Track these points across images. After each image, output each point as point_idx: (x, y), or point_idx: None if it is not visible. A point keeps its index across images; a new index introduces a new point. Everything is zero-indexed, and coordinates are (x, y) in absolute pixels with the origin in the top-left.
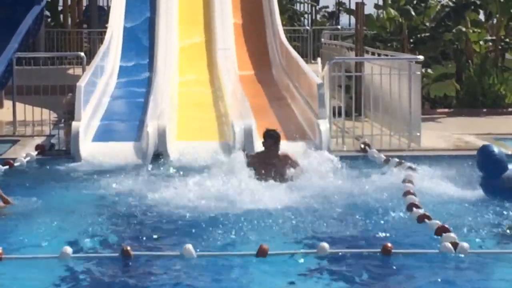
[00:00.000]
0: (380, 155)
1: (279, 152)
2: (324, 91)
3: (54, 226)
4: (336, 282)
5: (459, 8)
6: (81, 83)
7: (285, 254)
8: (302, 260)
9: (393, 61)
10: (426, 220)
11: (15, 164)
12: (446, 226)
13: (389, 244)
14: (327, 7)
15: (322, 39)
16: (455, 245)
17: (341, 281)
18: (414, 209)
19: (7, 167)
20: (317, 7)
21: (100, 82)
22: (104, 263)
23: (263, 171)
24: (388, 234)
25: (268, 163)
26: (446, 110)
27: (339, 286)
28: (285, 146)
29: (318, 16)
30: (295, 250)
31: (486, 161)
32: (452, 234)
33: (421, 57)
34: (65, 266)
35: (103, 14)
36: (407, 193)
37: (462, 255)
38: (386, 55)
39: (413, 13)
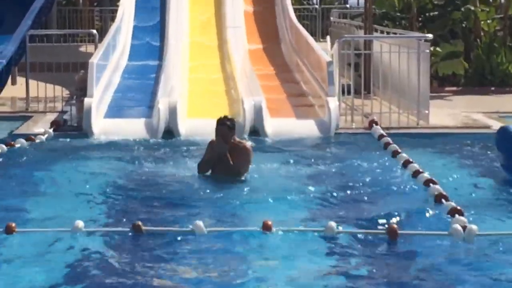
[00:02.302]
0: (380, 132)
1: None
2: (334, 69)
3: (67, 201)
4: (342, 261)
5: None
6: (94, 60)
7: (292, 231)
8: (309, 238)
9: (402, 39)
10: (443, 201)
11: (36, 141)
12: (459, 208)
13: (395, 226)
14: None
15: (331, 18)
16: (464, 227)
17: (347, 260)
18: (431, 184)
19: (29, 142)
20: None
21: (112, 59)
22: (115, 238)
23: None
24: (397, 214)
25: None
26: (454, 88)
27: (345, 266)
28: (295, 124)
29: None
30: (302, 227)
31: (507, 141)
32: (462, 218)
33: (430, 36)
34: (77, 240)
35: None
36: (417, 172)
37: (471, 237)
38: (395, 34)
39: None
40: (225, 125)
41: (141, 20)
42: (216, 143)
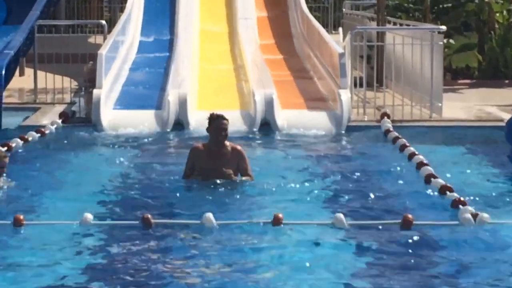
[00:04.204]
0: (388, 125)
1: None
2: (346, 61)
3: (77, 193)
4: (353, 253)
5: None
6: (103, 51)
7: (301, 224)
8: (318, 231)
9: (415, 31)
10: (448, 192)
11: (46, 132)
12: (462, 199)
13: (410, 216)
14: None
15: (343, 9)
16: (475, 216)
17: (358, 252)
18: (433, 179)
19: (39, 135)
20: None
21: (121, 50)
22: (124, 231)
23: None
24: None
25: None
26: (468, 81)
27: (357, 257)
28: (307, 116)
29: None
30: (310, 220)
31: None
32: (469, 207)
33: (443, 28)
34: (85, 232)
35: None
36: (421, 164)
37: (482, 226)
38: (408, 25)
39: None
40: (225, 120)
41: (151, 10)
42: (216, 142)
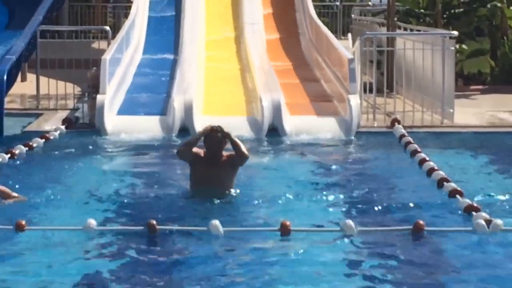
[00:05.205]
0: (402, 131)
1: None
2: (355, 66)
3: (81, 199)
4: (362, 260)
5: None
6: (106, 56)
7: (308, 231)
8: (327, 238)
9: (426, 36)
10: (458, 196)
11: (50, 137)
12: (476, 205)
13: (421, 222)
14: None
15: (352, 15)
16: (488, 222)
17: (368, 259)
18: (445, 183)
19: (44, 140)
20: None
21: (125, 56)
22: (128, 237)
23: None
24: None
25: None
26: (480, 87)
27: (366, 265)
28: (315, 122)
29: None
30: (318, 227)
31: None
32: (483, 213)
33: (455, 33)
34: (89, 238)
35: None
36: (432, 169)
37: (496, 232)
38: (419, 31)
39: None
40: (219, 133)
41: (156, 16)
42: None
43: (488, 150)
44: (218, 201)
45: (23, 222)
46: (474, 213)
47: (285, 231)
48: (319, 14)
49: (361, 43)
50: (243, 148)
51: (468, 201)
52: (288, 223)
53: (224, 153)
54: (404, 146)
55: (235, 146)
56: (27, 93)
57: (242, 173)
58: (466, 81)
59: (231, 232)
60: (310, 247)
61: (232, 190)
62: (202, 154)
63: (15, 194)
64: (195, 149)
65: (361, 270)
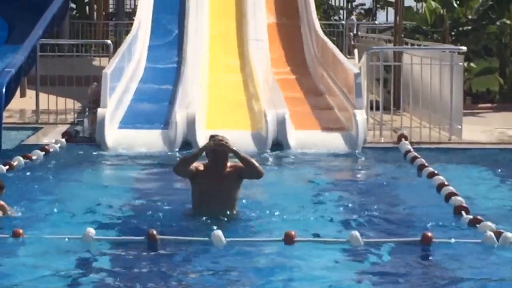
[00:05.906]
0: (408, 147)
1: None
2: (361, 81)
3: (80, 210)
4: (368, 271)
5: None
6: (107, 70)
7: (313, 241)
8: (332, 249)
9: (434, 52)
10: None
11: (50, 150)
12: (479, 217)
13: (429, 234)
14: (363, 4)
15: (359, 32)
16: (498, 234)
17: (373, 271)
18: (453, 197)
19: (44, 153)
20: (353, 4)
21: (127, 69)
22: (128, 247)
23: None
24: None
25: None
26: (489, 105)
27: (372, 276)
28: (320, 137)
29: (354, 13)
30: (325, 238)
31: None
32: (489, 223)
33: (463, 48)
34: (87, 248)
35: None
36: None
37: (505, 245)
38: (427, 46)
39: (455, 4)
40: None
41: (159, 31)
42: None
43: (497, 166)
44: (221, 216)
45: (21, 231)
46: (479, 225)
47: (289, 240)
48: (324, 33)
49: (368, 57)
50: (257, 165)
51: (470, 217)
52: (293, 233)
53: (228, 164)
54: (411, 161)
55: (247, 164)
56: (26, 109)
57: (245, 186)
58: (474, 100)
59: (234, 242)
60: (315, 258)
61: (236, 206)
62: (202, 168)
63: (12, 210)
64: (194, 164)
65: (367, 282)
